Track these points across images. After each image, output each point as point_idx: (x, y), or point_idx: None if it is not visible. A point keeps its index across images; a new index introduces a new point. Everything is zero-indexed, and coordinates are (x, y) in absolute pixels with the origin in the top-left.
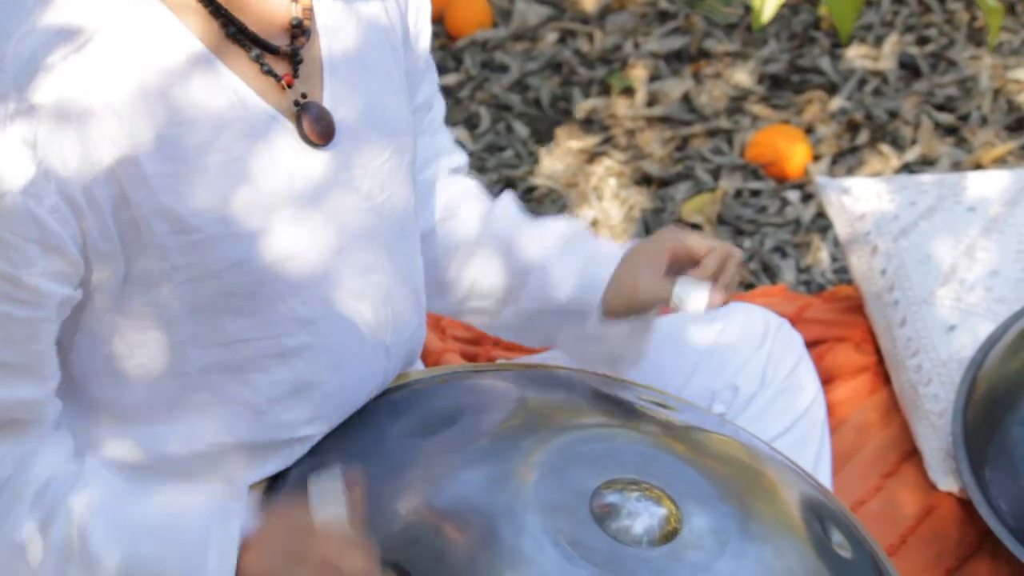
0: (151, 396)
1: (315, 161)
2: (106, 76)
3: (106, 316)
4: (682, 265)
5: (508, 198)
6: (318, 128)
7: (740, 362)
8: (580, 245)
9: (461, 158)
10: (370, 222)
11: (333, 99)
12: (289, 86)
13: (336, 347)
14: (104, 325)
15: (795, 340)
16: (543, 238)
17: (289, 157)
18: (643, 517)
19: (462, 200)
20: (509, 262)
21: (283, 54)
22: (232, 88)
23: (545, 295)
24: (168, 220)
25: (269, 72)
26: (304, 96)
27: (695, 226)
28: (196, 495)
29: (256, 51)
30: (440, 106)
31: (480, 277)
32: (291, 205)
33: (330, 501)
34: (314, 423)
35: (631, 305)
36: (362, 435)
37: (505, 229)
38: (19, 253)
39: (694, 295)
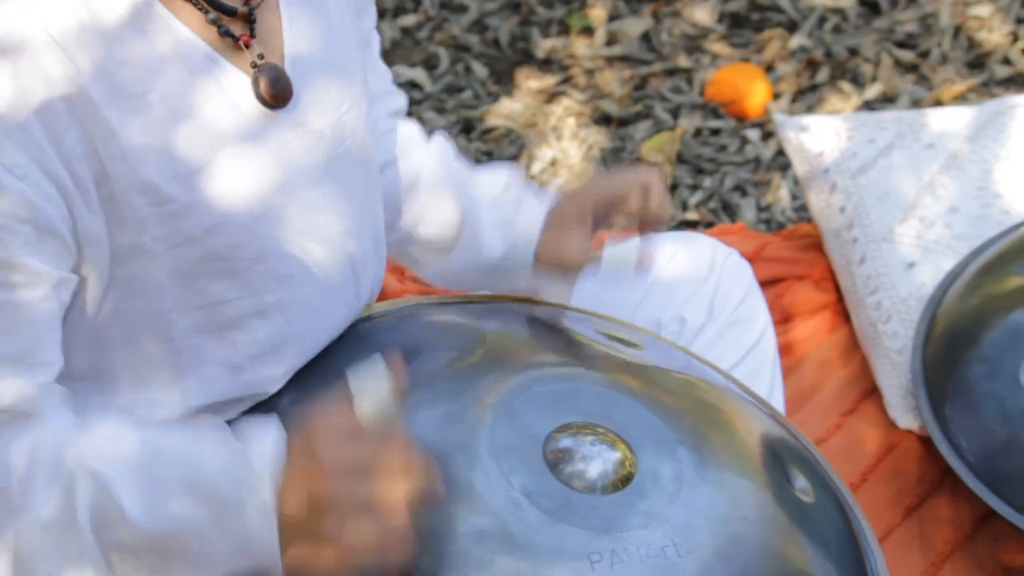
0: (133, 363)
1: (278, 120)
2: (48, 6)
3: (92, 291)
4: (609, 212)
5: (442, 142)
6: (275, 90)
7: (688, 293)
8: (509, 203)
9: (400, 99)
10: (336, 171)
11: (293, 57)
12: (247, 46)
13: (312, 299)
14: (89, 298)
15: (744, 270)
16: (477, 192)
17: (253, 118)
18: (597, 462)
19: (404, 146)
20: (445, 214)
21: (240, 15)
22: (192, 46)
23: (477, 255)
24: (145, 193)
25: (227, 33)
26: (261, 57)
27: (653, 165)
28: (212, 445)
29: (213, 14)
30: (376, 43)
31: (418, 225)
32: (260, 165)
33: (376, 397)
34: (288, 375)
35: (560, 266)
36: (320, 374)
37: (442, 178)
38: (12, 236)
39: (622, 261)
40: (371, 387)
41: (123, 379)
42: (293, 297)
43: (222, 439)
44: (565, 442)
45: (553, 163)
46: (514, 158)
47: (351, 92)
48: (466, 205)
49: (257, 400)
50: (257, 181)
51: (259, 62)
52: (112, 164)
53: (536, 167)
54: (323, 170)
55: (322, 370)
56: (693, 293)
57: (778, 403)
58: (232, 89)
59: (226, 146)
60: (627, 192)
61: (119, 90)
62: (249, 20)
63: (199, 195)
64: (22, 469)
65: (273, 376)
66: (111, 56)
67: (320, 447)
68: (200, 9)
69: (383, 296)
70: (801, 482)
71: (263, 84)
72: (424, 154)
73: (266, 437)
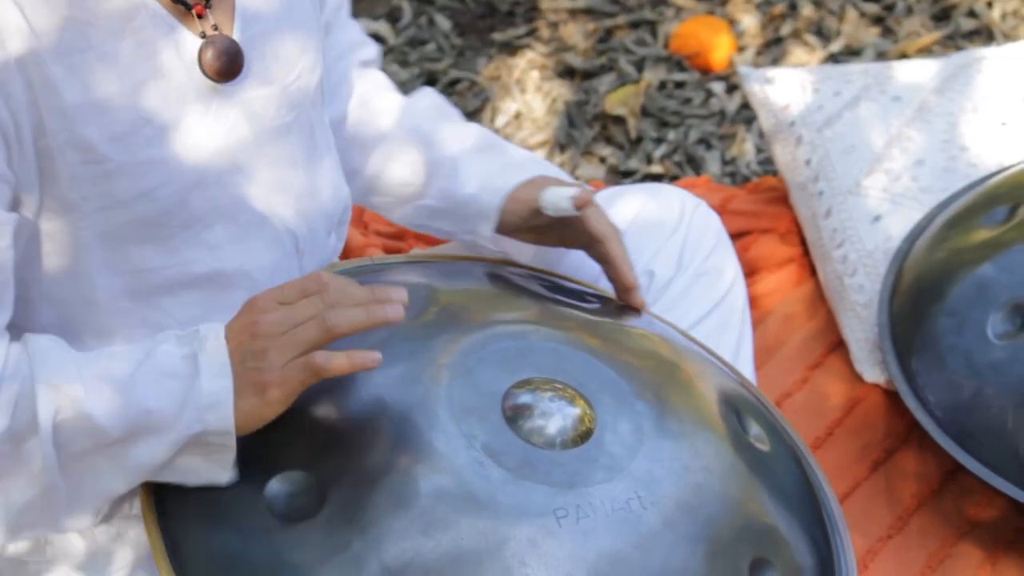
0: (60, 321)
1: (224, 91)
2: None
3: (20, 244)
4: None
5: (429, 92)
6: (221, 64)
7: (656, 246)
8: (498, 150)
9: (372, 50)
10: (282, 146)
11: (244, 19)
12: (200, 16)
13: (245, 267)
14: (16, 251)
15: (712, 220)
16: (463, 135)
17: (198, 87)
18: (556, 418)
19: (374, 93)
20: (421, 156)
21: None
22: (145, 9)
23: (449, 192)
24: (80, 150)
25: (179, 0)
26: (215, 28)
27: (617, 118)
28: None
29: None
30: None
31: (387, 171)
32: (200, 133)
33: None
34: None
35: (509, 213)
36: None
37: (422, 123)
38: None
39: (561, 194)
40: None
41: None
42: (223, 265)
43: (166, 334)
44: (524, 398)
45: (517, 116)
46: (478, 111)
47: (305, 58)
48: (448, 148)
49: None
50: (195, 149)
51: (210, 33)
52: (51, 119)
53: (500, 120)
54: (268, 144)
55: None
56: (661, 246)
57: (747, 354)
58: (180, 55)
59: (167, 112)
60: (607, 239)
61: (66, 46)
62: None
63: (134, 157)
64: None
65: None
66: (63, 13)
67: (256, 303)
68: None
69: (346, 252)
70: (756, 430)
71: (209, 58)
72: (390, 103)
73: (211, 324)
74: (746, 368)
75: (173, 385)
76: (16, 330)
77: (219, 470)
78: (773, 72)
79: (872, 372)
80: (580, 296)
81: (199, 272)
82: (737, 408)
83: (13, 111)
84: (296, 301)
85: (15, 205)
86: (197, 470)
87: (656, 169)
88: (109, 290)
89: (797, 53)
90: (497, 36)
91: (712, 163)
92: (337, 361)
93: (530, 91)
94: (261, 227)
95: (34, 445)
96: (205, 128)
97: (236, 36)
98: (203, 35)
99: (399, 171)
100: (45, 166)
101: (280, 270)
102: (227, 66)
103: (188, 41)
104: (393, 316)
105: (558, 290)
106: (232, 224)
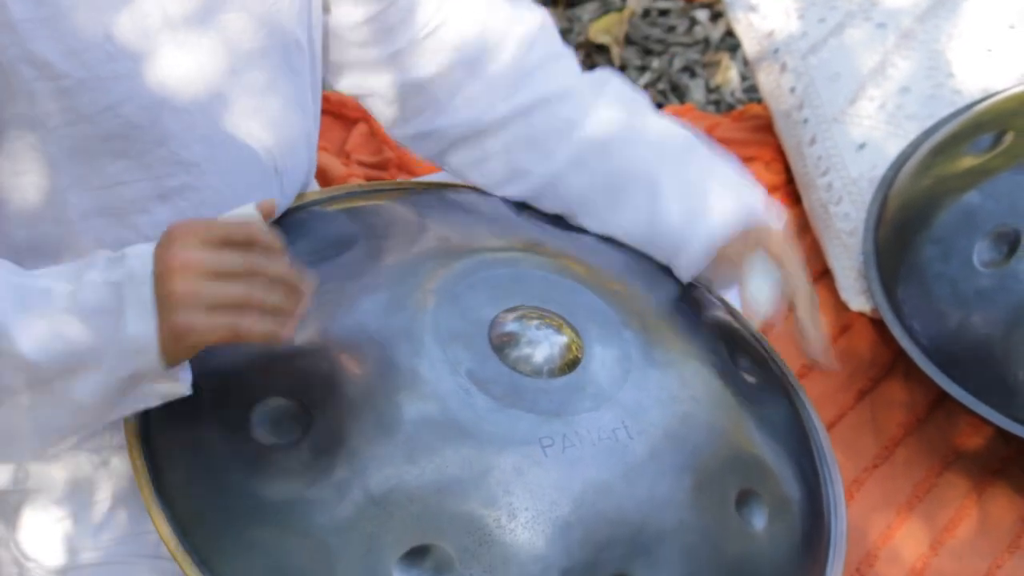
0: (33, 240)
1: (194, 6)
2: None
3: None
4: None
5: (618, 84)
6: None
7: None
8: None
9: (536, 17)
10: (258, 63)
11: None
12: None
13: (220, 186)
14: None
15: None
16: (663, 140)
17: (170, 5)
18: (543, 346)
19: (556, 85)
20: (609, 169)
21: None
22: None
23: (648, 218)
24: (35, 66)
25: None
26: None
27: (601, 47)
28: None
29: None
30: None
31: (569, 179)
32: (164, 44)
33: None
34: None
35: (706, 270)
36: None
37: (613, 130)
38: None
39: (766, 292)
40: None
41: (25, 255)
42: (198, 183)
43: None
44: (511, 326)
45: None
46: None
47: None
48: (643, 166)
49: None
50: (163, 66)
51: None
52: (1, 34)
53: None
54: (244, 63)
55: None
56: None
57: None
58: None
59: (129, 26)
60: (788, 266)
61: None
62: None
63: (94, 73)
64: None
65: None
66: None
67: (177, 236)
68: None
69: (327, 181)
70: (745, 362)
71: None
72: (578, 98)
73: (139, 249)
74: (731, 297)
75: (98, 322)
76: None
77: (172, 385)
78: None
79: (857, 301)
80: (568, 225)
81: (172, 186)
82: (726, 338)
83: None
84: (220, 248)
85: None
86: (147, 397)
87: None
88: (81, 207)
89: None
90: None
91: (696, 91)
92: (265, 330)
93: None
94: (238, 147)
95: None
96: (172, 44)
97: None
98: None
99: (584, 181)
100: (2, 82)
101: (258, 189)
102: None
103: None
104: (286, 337)
105: (547, 218)
106: (208, 144)
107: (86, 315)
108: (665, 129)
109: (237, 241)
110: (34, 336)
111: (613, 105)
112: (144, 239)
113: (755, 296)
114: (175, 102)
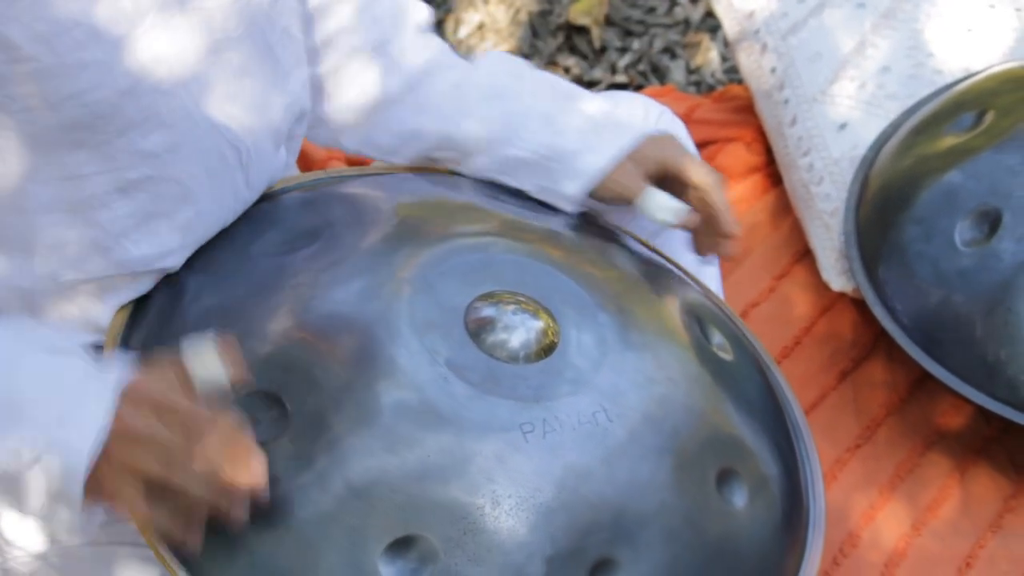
0: None
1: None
2: None
3: None
4: (664, 181)
5: (501, 54)
6: None
7: None
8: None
9: (423, 12)
10: (228, 55)
11: None
12: None
13: (181, 177)
14: None
15: (678, 128)
16: (546, 86)
17: None
18: (519, 331)
19: (439, 58)
20: (505, 109)
21: None
22: None
23: (545, 143)
24: (2, 49)
25: None
26: None
27: (581, 28)
28: (70, 356)
29: None
30: None
31: (463, 128)
32: (133, 37)
33: (205, 362)
34: (169, 256)
35: (598, 190)
36: (224, 254)
37: (500, 78)
38: None
39: (664, 204)
40: (202, 364)
41: None
42: (158, 175)
43: (73, 374)
44: (486, 312)
45: (480, 27)
46: (440, 22)
47: None
48: (533, 101)
49: (158, 277)
50: (128, 52)
51: None
52: None
53: (463, 31)
54: (213, 54)
55: (227, 246)
56: None
57: (713, 264)
58: None
59: (101, 13)
60: (697, 181)
61: None
62: None
63: (62, 59)
64: None
65: (147, 256)
66: None
67: (132, 397)
68: None
69: (307, 165)
70: (719, 339)
71: None
72: (458, 63)
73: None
74: (712, 279)
75: (57, 391)
76: None
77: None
78: None
79: (839, 281)
80: (543, 207)
81: (132, 178)
82: (699, 317)
83: None
84: (163, 418)
85: None
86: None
87: (621, 79)
88: (41, 199)
89: None
90: None
91: (677, 72)
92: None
93: (493, 2)
94: (199, 137)
95: None
96: (141, 33)
97: None
98: None
99: (475, 127)
100: None
101: (219, 181)
102: None
103: None
104: (192, 545)
105: (520, 201)
106: (169, 133)
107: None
108: (546, 75)
109: (186, 423)
110: None
111: (495, 63)
112: (106, 234)
113: (660, 203)
114: (136, 89)
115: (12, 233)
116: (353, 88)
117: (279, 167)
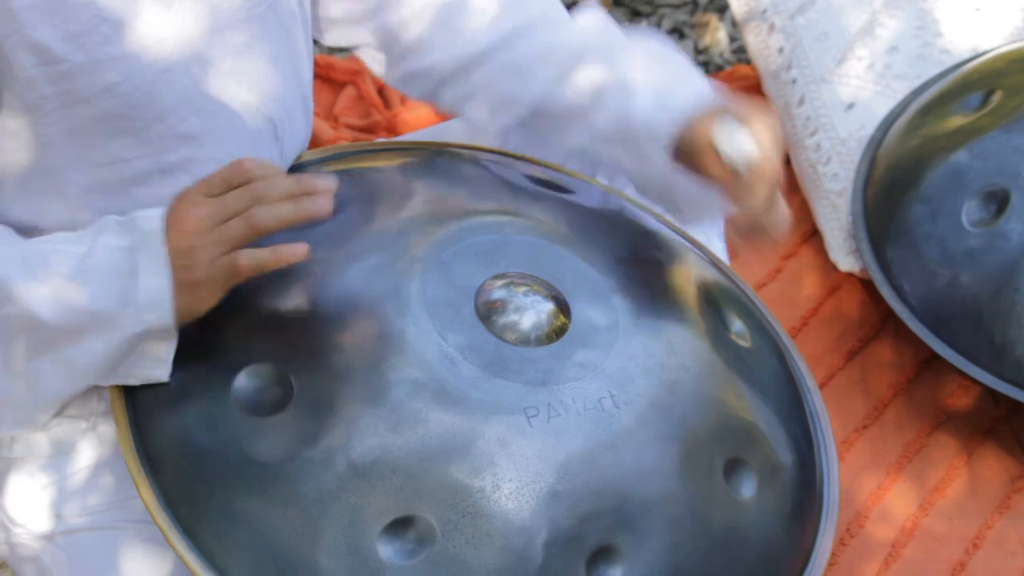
0: (31, 213)
1: None
2: None
3: None
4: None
5: (595, 12)
6: None
7: None
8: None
9: None
10: (254, 32)
11: None
12: None
13: (221, 157)
14: None
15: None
16: (636, 50)
17: None
18: (530, 313)
19: (539, 13)
20: (594, 75)
21: None
22: None
23: (621, 113)
24: (35, 53)
25: None
26: None
27: None
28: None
29: None
30: None
31: (556, 95)
32: (160, 25)
33: (733, 139)
34: None
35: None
36: None
37: (592, 40)
38: None
39: (738, 137)
40: (729, 140)
41: (25, 232)
42: (199, 155)
43: (107, 221)
44: (497, 294)
45: None
46: None
47: None
48: (618, 68)
49: None
50: (156, 42)
51: None
52: (1, 22)
53: None
54: (237, 31)
55: None
56: None
57: (719, 244)
58: None
59: (123, 7)
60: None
61: None
62: None
63: (91, 56)
64: None
65: None
66: None
67: (185, 196)
68: None
69: (315, 143)
70: (738, 326)
71: None
72: (555, 24)
73: (150, 212)
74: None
75: (113, 282)
76: None
77: (159, 366)
78: None
79: (847, 261)
80: (552, 182)
81: (173, 160)
82: (718, 302)
83: None
84: (222, 193)
85: None
86: (138, 369)
87: None
88: (80, 184)
89: None
90: None
91: (685, 52)
92: (261, 257)
93: None
94: (236, 116)
95: None
96: (164, 20)
97: None
98: None
99: (569, 94)
100: (1, 68)
101: (256, 156)
102: None
103: None
104: (321, 209)
105: (530, 176)
106: (205, 115)
107: (99, 277)
108: (633, 37)
109: (235, 183)
110: (43, 296)
111: (587, 21)
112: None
113: (734, 144)
114: (166, 75)
115: (51, 216)
116: (454, 44)
117: (307, 137)
